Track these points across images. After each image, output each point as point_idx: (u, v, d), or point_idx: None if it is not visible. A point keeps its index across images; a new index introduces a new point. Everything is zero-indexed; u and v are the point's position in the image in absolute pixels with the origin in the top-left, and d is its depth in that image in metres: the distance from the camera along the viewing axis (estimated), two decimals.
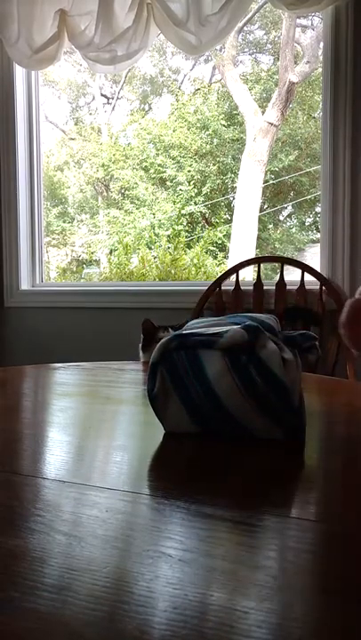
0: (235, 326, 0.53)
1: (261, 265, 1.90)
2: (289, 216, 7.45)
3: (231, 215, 6.26)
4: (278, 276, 1.83)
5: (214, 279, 1.89)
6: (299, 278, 1.80)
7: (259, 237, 6.22)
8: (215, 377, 0.51)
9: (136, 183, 6.91)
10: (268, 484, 0.41)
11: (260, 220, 6.10)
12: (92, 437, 0.54)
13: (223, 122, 6.63)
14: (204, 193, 6.62)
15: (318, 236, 2.22)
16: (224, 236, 6.23)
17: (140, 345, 1.11)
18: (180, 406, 0.53)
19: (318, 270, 1.83)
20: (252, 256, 4.14)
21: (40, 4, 1.99)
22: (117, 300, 2.10)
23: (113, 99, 7.67)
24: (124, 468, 0.44)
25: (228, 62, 5.55)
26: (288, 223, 7.46)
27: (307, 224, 7.29)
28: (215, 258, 6.12)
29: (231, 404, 0.51)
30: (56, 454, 0.48)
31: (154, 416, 0.54)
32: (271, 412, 0.50)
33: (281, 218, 7.45)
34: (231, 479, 0.42)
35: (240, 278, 1.88)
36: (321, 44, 1.98)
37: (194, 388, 0.52)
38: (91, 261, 7.17)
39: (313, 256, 5.97)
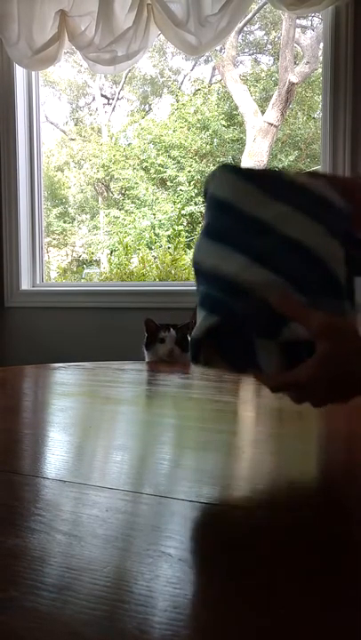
0: None
1: None
2: None
3: None
4: None
5: None
6: None
7: None
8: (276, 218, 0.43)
9: (136, 183, 6.91)
10: (271, 483, 0.41)
11: None
12: (92, 437, 0.54)
13: (223, 122, 6.63)
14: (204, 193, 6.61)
15: None
16: None
17: (144, 343, 1.12)
18: (235, 253, 0.45)
19: None
20: None
21: (40, 5, 1.99)
22: (117, 300, 2.10)
23: (113, 99, 7.67)
24: (124, 467, 0.44)
25: (228, 63, 5.55)
26: None
27: None
28: None
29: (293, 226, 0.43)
30: (56, 454, 0.48)
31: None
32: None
33: None
34: (232, 478, 0.42)
35: None
36: (321, 45, 1.98)
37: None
38: (91, 261, 7.17)
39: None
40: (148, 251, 5.04)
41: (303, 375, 0.40)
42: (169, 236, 5.43)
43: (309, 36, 5.32)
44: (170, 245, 4.62)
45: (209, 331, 0.46)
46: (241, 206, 0.46)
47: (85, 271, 6.73)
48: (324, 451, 0.50)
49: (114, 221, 6.72)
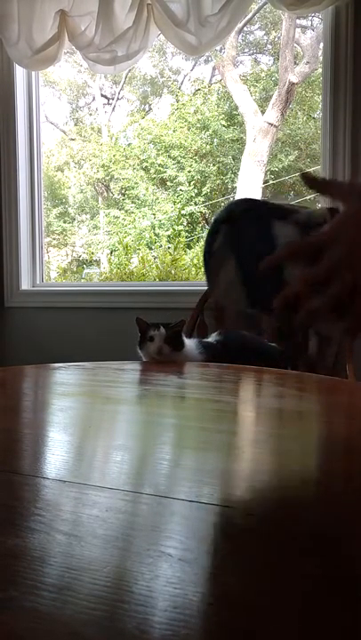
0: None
1: None
2: None
3: None
4: None
5: None
6: None
7: None
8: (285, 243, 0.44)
9: (136, 183, 6.91)
10: (270, 483, 0.41)
11: None
12: (92, 437, 0.54)
13: (223, 122, 6.63)
14: (204, 193, 6.62)
15: None
16: None
17: (138, 342, 1.12)
18: (236, 272, 0.46)
19: None
20: None
21: (40, 5, 1.99)
22: (117, 300, 2.10)
23: (113, 99, 7.67)
24: (124, 467, 0.44)
25: (228, 63, 5.55)
26: None
27: None
28: None
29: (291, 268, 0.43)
30: (56, 454, 0.48)
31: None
32: None
33: None
34: (233, 478, 0.42)
35: None
36: (321, 45, 1.98)
37: (256, 252, 0.45)
38: (91, 261, 7.18)
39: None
40: (148, 251, 5.04)
41: (324, 233, 0.40)
42: (169, 236, 5.43)
43: (309, 35, 5.32)
44: (170, 245, 4.63)
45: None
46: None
47: (85, 271, 6.73)
48: (325, 450, 0.50)
49: (114, 221, 6.72)
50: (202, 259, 0.49)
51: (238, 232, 0.47)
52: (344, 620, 0.24)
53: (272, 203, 0.49)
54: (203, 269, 0.50)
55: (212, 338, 1.37)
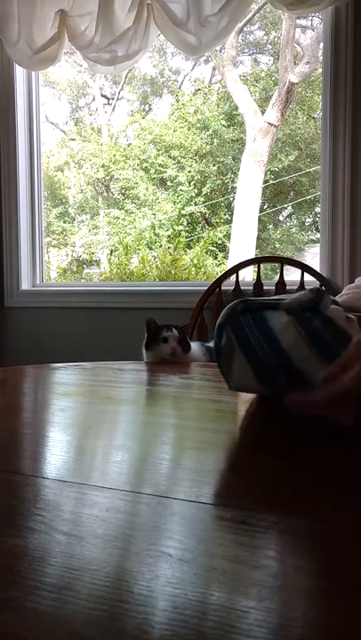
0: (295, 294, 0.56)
1: (261, 265, 1.91)
2: (289, 216, 7.45)
3: (231, 215, 6.26)
4: (278, 276, 1.83)
5: (214, 279, 1.90)
6: (299, 278, 1.80)
7: (259, 237, 6.22)
8: (280, 331, 0.53)
9: (136, 183, 6.91)
10: (270, 484, 0.41)
11: (260, 220, 6.11)
12: (92, 437, 0.54)
13: (223, 122, 6.63)
14: (204, 193, 6.62)
15: (318, 236, 2.23)
16: (224, 236, 6.23)
17: (144, 343, 1.12)
18: (246, 364, 0.54)
19: (318, 270, 1.83)
20: (252, 256, 4.14)
21: (40, 5, 1.99)
22: (117, 300, 2.11)
23: (113, 99, 7.68)
24: (124, 467, 0.44)
25: (228, 63, 5.55)
26: (288, 223, 7.46)
27: (307, 224, 7.30)
28: (215, 258, 6.12)
29: (296, 354, 0.51)
30: (56, 454, 0.48)
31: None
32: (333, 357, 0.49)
33: (281, 218, 7.45)
34: (232, 479, 0.42)
35: (240, 278, 1.88)
36: (321, 45, 1.98)
37: (259, 345, 0.53)
38: (91, 262, 7.18)
39: (313, 256, 5.97)
40: (148, 251, 5.04)
41: (347, 355, 0.44)
42: (169, 236, 5.43)
43: (309, 35, 5.32)
44: (170, 245, 4.63)
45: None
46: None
47: (85, 271, 6.74)
48: (325, 450, 0.50)
49: (114, 222, 6.72)
50: (225, 320, 0.58)
51: (240, 329, 0.55)
52: (347, 620, 0.24)
53: (263, 299, 0.58)
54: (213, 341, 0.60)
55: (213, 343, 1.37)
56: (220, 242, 6.21)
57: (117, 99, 7.58)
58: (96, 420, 0.62)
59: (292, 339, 0.52)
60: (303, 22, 5.42)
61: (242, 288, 1.86)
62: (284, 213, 7.39)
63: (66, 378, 0.88)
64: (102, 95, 7.61)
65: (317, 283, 1.78)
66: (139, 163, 6.93)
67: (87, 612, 0.24)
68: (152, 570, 0.28)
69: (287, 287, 1.81)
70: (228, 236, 6.20)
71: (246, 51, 6.78)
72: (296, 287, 1.79)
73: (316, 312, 0.52)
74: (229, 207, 6.69)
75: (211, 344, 1.24)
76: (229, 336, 0.56)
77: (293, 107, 6.26)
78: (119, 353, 2.07)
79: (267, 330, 0.53)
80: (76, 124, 7.80)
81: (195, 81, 7.22)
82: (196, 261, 4.88)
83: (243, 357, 0.54)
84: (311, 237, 7.02)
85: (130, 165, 6.97)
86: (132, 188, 6.91)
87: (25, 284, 2.26)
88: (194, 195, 6.60)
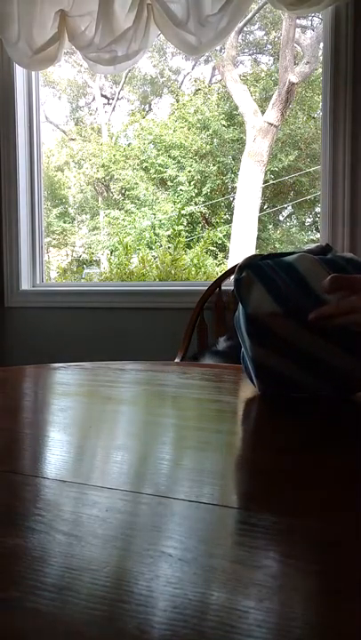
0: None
1: None
2: (289, 216, 7.45)
3: (231, 215, 6.26)
4: None
5: (214, 279, 1.89)
6: None
7: (259, 237, 6.22)
8: (296, 259, 0.57)
9: (136, 183, 6.91)
10: (270, 484, 0.41)
11: (260, 220, 6.11)
12: (92, 437, 0.54)
13: (223, 122, 6.63)
14: (204, 193, 6.62)
15: (318, 236, 2.22)
16: (224, 236, 6.23)
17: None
18: (264, 291, 0.57)
19: None
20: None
21: (40, 5, 1.99)
22: (117, 300, 2.11)
23: (113, 99, 7.67)
24: (124, 467, 0.44)
25: (228, 63, 5.55)
26: (288, 223, 7.46)
27: (307, 224, 7.29)
28: (215, 258, 6.12)
29: (313, 276, 0.55)
30: (56, 454, 0.48)
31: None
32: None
33: (281, 218, 7.45)
34: (232, 479, 0.42)
35: None
36: (321, 45, 1.98)
37: (277, 275, 0.57)
38: (91, 262, 7.18)
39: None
40: (148, 251, 5.04)
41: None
42: (169, 236, 5.43)
43: (309, 35, 5.32)
44: (170, 245, 4.63)
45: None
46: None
47: (85, 271, 6.74)
48: (325, 450, 0.50)
49: (114, 222, 6.72)
50: (246, 263, 0.61)
51: (260, 268, 0.59)
52: (347, 620, 0.24)
53: (279, 253, 0.63)
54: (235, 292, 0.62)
55: (220, 345, 1.35)
56: (220, 242, 6.21)
57: (117, 99, 7.58)
58: (96, 419, 0.62)
59: (310, 265, 0.56)
60: (303, 22, 5.42)
61: None
62: (284, 213, 7.39)
63: (66, 378, 0.88)
64: (102, 95, 7.60)
65: None
66: (139, 163, 6.93)
67: (87, 612, 0.24)
68: (152, 570, 0.28)
69: None
70: (228, 235, 6.20)
71: (246, 51, 6.77)
72: None
73: (330, 254, 0.59)
74: (229, 207, 6.69)
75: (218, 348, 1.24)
76: (248, 272, 0.59)
77: (293, 107, 6.26)
78: (119, 353, 2.07)
79: (284, 264, 0.58)
80: (76, 124, 7.80)
81: (195, 81, 7.22)
82: (196, 261, 4.88)
83: (261, 286, 0.57)
84: (311, 237, 7.01)
85: (130, 165, 6.97)
86: (132, 188, 6.91)
87: (25, 284, 2.26)
88: (194, 195, 6.60)
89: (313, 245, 0.62)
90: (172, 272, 4.00)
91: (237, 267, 0.61)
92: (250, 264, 0.60)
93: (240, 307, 0.62)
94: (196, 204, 6.57)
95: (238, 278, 0.60)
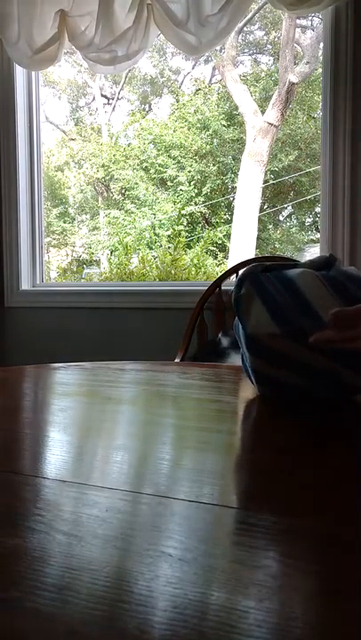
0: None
1: None
2: (289, 216, 7.45)
3: (231, 215, 6.26)
4: None
5: (214, 279, 1.89)
6: None
7: (259, 237, 6.23)
8: (297, 274, 0.56)
9: (136, 183, 6.91)
10: (270, 484, 0.41)
11: (260, 220, 6.11)
12: (92, 437, 0.55)
13: (223, 122, 6.64)
14: (204, 193, 6.62)
15: (318, 236, 2.22)
16: (224, 236, 6.23)
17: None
18: (263, 309, 0.56)
19: None
20: (252, 256, 4.14)
21: (40, 5, 1.99)
22: (117, 300, 2.11)
23: (113, 99, 7.68)
24: (124, 467, 0.44)
25: (228, 63, 5.55)
26: (288, 223, 7.46)
27: (307, 224, 7.30)
28: (215, 258, 6.12)
29: (313, 294, 0.55)
30: (56, 454, 0.48)
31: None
32: (353, 300, 0.53)
33: (281, 218, 7.45)
34: (232, 479, 0.42)
35: None
36: (321, 45, 1.98)
37: (277, 290, 0.56)
38: (91, 261, 7.18)
39: (313, 256, 5.96)
40: (148, 251, 5.04)
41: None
42: (169, 236, 5.43)
43: (309, 35, 5.32)
44: (170, 245, 4.63)
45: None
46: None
47: (85, 271, 6.74)
48: (325, 450, 0.50)
49: (114, 222, 6.72)
50: (245, 275, 0.60)
51: (260, 283, 0.58)
52: (347, 620, 0.24)
53: (279, 263, 0.63)
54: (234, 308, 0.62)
55: (221, 343, 1.35)
56: (220, 242, 6.21)
57: (117, 99, 7.58)
58: (96, 420, 0.62)
59: (311, 282, 0.55)
60: (303, 22, 5.42)
61: None
62: (284, 213, 7.39)
63: (66, 378, 0.88)
64: (102, 95, 7.61)
65: None
66: (139, 163, 6.93)
67: (87, 612, 0.24)
68: (152, 570, 0.28)
69: None
70: (228, 235, 6.20)
71: (246, 51, 6.78)
72: None
73: (333, 268, 0.57)
74: (229, 207, 6.69)
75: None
76: (248, 287, 0.58)
77: (293, 107, 6.26)
78: (119, 353, 2.07)
79: (285, 279, 0.57)
80: (76, 124, 7.80)
81: (195, 81, 7.22)
82: (196, 261, 4.88)
83: (260, 303, 0.56)
84: (311, 237, 7.02)
85: (130, 165, 6.97)
86: (132, 188, 6.91)
87: (25, 284, 2.26)
88: (194, 195, 6.60)
89: (316, 257, 0.61)
90: (172, 272, 4.00)
91: (238, 278, 0.61)
92: (251, 276, 0.59)
93: (239, 323, 0.63)
94: (196, 204, 6.58)
95: (238, 296, 0.59)
